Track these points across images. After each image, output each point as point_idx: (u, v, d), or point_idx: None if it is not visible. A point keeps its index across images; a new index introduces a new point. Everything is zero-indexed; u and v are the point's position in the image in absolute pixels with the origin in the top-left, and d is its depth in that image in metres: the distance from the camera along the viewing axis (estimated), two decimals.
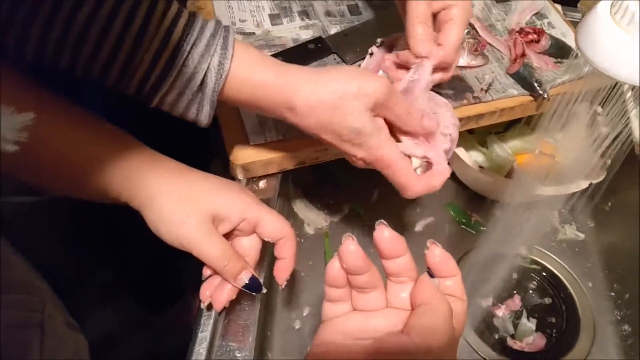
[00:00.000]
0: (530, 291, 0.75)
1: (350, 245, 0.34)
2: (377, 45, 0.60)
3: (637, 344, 0.69)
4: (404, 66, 0.54)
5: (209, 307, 0.48)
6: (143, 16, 0.40)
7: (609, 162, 0.72)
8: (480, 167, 0.73)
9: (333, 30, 0.68)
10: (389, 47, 0.59)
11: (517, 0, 0.74)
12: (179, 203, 0.45)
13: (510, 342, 0.70)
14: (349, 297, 0.37)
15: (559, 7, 0.76)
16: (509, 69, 0.65)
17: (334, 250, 0.61)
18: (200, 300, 0.48)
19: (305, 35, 0.67)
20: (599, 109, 0.53)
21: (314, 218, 0.77)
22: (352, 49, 0.65)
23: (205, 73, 0.44)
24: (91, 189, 0.45)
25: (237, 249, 0.47)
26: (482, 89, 0.62)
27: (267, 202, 0.59)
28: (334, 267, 0.35)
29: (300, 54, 0.64)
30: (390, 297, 0.36)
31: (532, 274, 0.76)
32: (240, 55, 0.45)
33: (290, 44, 0.65)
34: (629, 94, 0.55)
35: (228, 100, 0.47)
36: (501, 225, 0.65)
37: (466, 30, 0.65)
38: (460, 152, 0.74)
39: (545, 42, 0.66)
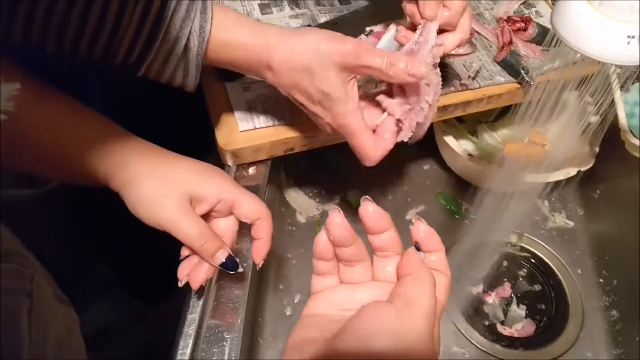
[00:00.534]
0: (520, 278, 0.76)
1: (337, 217, 0.35)
2: (366, 33, 0.60)
3: (624, 330, 0.69)
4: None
5: (186, 285, 0.48)
6: None
7: (597, 149, 0.73)
8: (470, 155, 0.73)
9: (322, 19, 0.68)
10: (378, 36, 0.60)
11: None
12: (157, 184, 0.46)
13: (500, 328, 0.71)
14: (337, 271, 0.37)
15: None
16: (496, 57, 0.65)
17: None
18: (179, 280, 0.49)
19: (295, 24, 0.67)
20: (588, 98, 0.53)
21: (305, 207, 0.78)
22: None
23: (188, 38, 0.45)
24: (76, 172, 0.46)
25: (214, 230, 0.48)
26: (469, 77, 0.63)
27: (256, 188, 0.59)
28: (321, 240, 0.36)
29: None
30: (376, 270, 0.37)
31: (522, 262, 0.77)
32: (219, 17, 0.47)
33: None
34: (614, 77, 0.56)
35: (210, 62, 0.49)
36: (491, 213, 0.65)
37: None
38: (450, 140, 0.74)
39: (532, 30, 0.67)
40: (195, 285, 0.48)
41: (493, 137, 0.78)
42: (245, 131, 0.58)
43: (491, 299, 0.73)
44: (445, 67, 0.63)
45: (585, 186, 0.81)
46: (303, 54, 0.47)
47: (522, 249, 0.78)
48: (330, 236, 0.35)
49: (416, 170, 0.85)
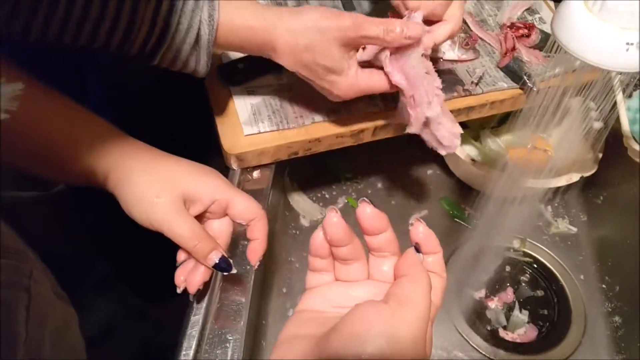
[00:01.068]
0: (523, 283, 0.76)
1: (334, 217, 0.35)
2: None
3: (627, 336, 0.69)
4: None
5: (185, 291, 0.48)
6: None
7: (600, 155, 0.73)
8: (473, 160, 0.74)
9: None
10: None
11: None
12: (151, 184, 0.46)
13: (502, 333, 0.71)
14: (332, 268, 0.37)
15: (551, 3, 0.77)
16: (499, 63, 0.66)
17: None
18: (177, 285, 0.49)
19: None
20: (591, 104, 0.54)
21: (309, 210, 0.79)
22: None
23: (199, 26, 0.47)
24: (74, 173, 0.47)
25: (208, 232, 0.48)
26: (472, 82, 0.63)
27: (260, 192, 0.60)
28: (317, 238, 0.36)
29: None
30: (372, 270, 0.37)
31: (525, 267, 0.77)
32: (224, 4, 0.49)
33: None
34: (617, 83, 0.56)
35: (220, 47, 0.51)
36: (494, 218, 0.66)
37: None
38: None
39: (535, 37, 0.68)
40: (192, 290, 0.48)
41: (496, 143, 0.78)
42: (250, 135, 0.59)
43: (494, 303, 0.73)
44: (448, 73, 0.64)
45: (589, 192, 0.81)
46: (303, 33, 0.49)
47: (525, 254, 0.78)
48: (327, 235, 0.36)
49: (419, 175, 0.85)
